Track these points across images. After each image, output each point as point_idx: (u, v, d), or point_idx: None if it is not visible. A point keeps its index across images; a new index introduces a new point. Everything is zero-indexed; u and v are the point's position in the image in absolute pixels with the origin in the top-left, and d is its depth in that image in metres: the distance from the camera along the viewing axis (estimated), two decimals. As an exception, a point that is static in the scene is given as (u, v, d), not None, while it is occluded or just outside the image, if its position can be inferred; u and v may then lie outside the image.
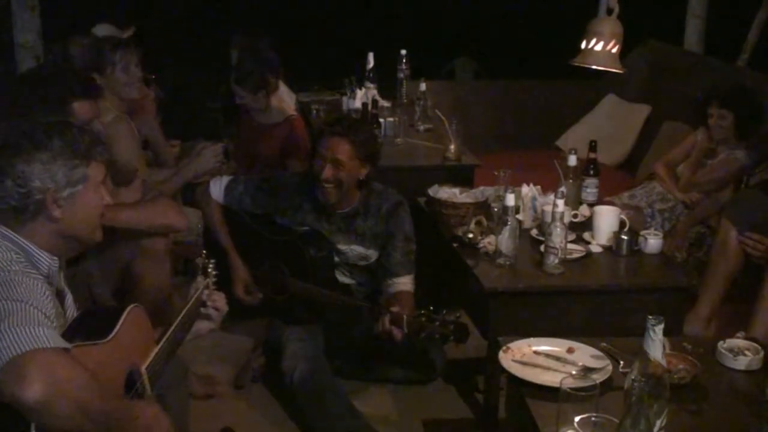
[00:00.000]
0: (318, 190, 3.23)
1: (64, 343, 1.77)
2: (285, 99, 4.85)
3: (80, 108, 3.04)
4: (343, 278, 3.42)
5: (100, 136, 2.15)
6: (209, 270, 2.55)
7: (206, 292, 2.48)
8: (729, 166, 4.15)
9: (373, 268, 3.39)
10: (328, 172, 3.17)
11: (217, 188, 3.46)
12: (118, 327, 2.00)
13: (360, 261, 3.38)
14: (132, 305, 2.12)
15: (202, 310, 2.46)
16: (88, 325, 2.00)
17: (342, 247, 3.35)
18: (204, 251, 2.65)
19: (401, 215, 3.32)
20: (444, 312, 2.88)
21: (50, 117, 2.80)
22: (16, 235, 1.95)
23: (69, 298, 2.12)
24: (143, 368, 2.09)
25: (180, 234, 3.83)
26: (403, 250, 3.30)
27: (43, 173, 1.94)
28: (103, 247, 3.03)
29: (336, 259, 3.38)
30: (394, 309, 2.98)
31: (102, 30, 4.89)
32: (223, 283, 2.64)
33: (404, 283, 3.29)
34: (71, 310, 2.11)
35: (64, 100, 3.04)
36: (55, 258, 2.02)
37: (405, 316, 2.90)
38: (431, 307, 2.90)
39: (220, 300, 2.50)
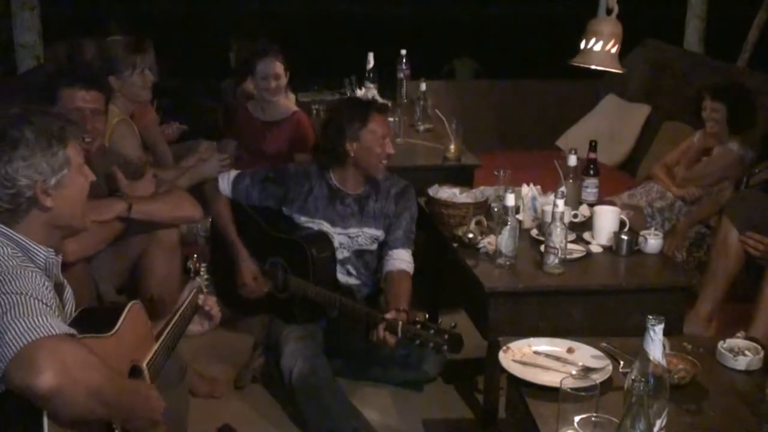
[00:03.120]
0: (376, 168, 3.34)
1: (70, 330, 1.78)
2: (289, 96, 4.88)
3: (68, 95, 3.05)
4: (347, 278, 3.44)
5: (66, 116, 2.08)
6: (201, 273, 2.55)
7: (201, 296, 2.48)
8: (724, 158, 4.19)
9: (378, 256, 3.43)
10: (392, 146, 3.35)
11: (224, 183, 3.49)
12: (119, 323, 2.00)
13: (371, 244, 3.42)
14: (132, 302, 2.12)
15: (197, 316, 2.47)
16: (90, 322, 2.01)
17: (353, 230, 3.38)
18: (195, 255, 2.63)
19: (410, 197, 3.45)
20: (440, 321, 2.88)
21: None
22: (10, 231, 1.95)
23: (68, 292, 2.12)
24: (144, 364, 2.09)
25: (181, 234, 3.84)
26: (406, 228, 3.39)
27: (27, 169, 1.92)
28: (114, 241, 3.04)
29: (345, 254, 3.40)
30: (389, 315, 2.99)
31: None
32: (223, 283, 2.63)
33: (402, 259, 3.34)
34: (70, 304, 2.11)
35: (50, 89, 3.06)
36: (51, 250, 2.02)
37: (400, 323, 2.91)
38: (427, 315, 2.91)
39: (213, 305, 2.50)
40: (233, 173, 3.51)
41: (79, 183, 2.04)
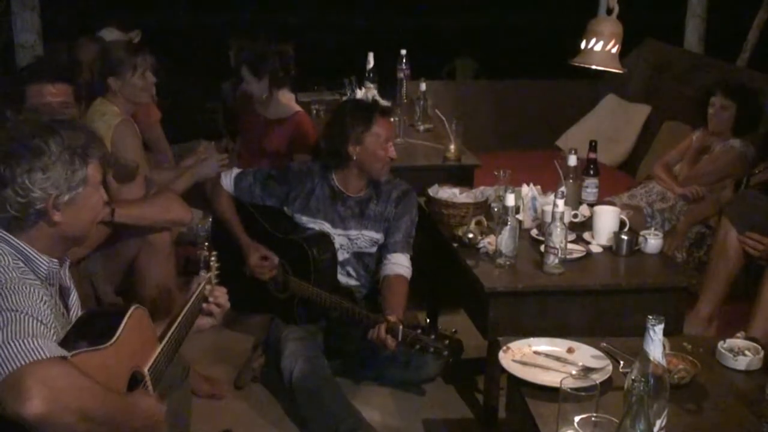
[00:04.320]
0: (379, 171, 3.33)
1: (61, 352, 1.75)
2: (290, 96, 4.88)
3: (35, 91, 3.07)
4: (347, 279, 3.44)
5: (92, 132, 2.08)
6: (211, 263, 2.54)
7: (208, 287, 2.47)
8: (726, 155, 4.20)
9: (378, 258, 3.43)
10: (394, 150, 3.34)
11: (227, 180, 3.49)
12: (120, 329, 1.98)
13: (371, 247, 3.42)
14: (134, 306, 2.11)
15: (204, 306, 2.45)
16: (91, 329, 1.98)
17: (353, 232, 3.39)
18: (206, 244, 2.62)
19: (411, 201, 3.44)
20: (440, 327, 2.88)
21: (4, 108, 2.81)
22: (14, 239, 1.93)
23: (74, 296, 2.11)
24: (146, 369, 2.08)
25: (181, 233, 3.85)
26: (405, 232, 3.38)
27: (44, 182, 1.90)
28: (107, 244, 3.05)
29: (345, 255, 3.41)
30: (392, 318, 2.99)
31: (108, 34, 4.91)
32: (226, 278, 2.62)
33: (401, 264, 3.34)
34: (75, 309, 2.10)
35: (16, 89, 3.08)
36: (54, 260, 2.00)
37: (401, 327, 2.90)
38: (428, 320, 2.91)
39: (221, 295, 2.48)
40: (235, 171, 3.52)
41: (92, 201, 2.02)
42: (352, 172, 3.36)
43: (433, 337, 2.83)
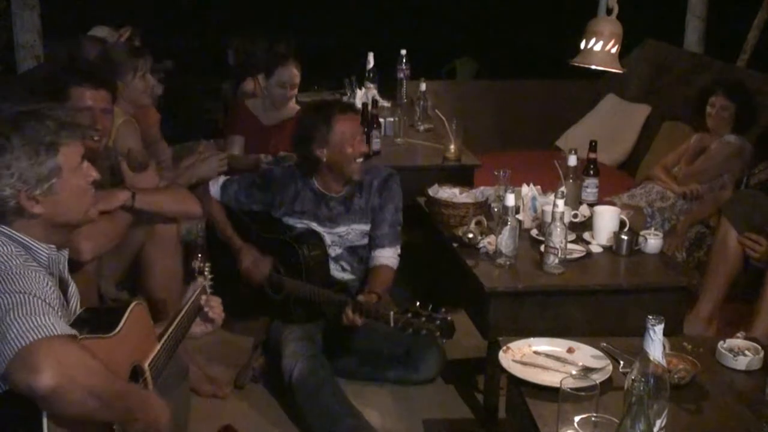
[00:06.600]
0: (352, 169, 3.31)
1: (71, 331, 1.78)
2: None
3: (78, 94, 3.06)
4: (342, 273, 3.45)
5: (64, 116, 2.01)
6: (205, 273, 2.54)
7: (204, 297, 2.48)
8: (722, 151, 4.23)
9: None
10: (364, 144, 3.37)
11: (214, 188, 3.52)
12: (122, 323, 2.00)
13: (362, 239, 3.43)
14: (135, 302, 2.12)
15: (199, 317, 2.47)
16: (93, 321, 2.01)
17: (343, 229, 3.39)
18: (199, 254, 2.63)
19: (393, 187, 3.43)
20: (431, 308, 2.88)
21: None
22: (10, 230, 1.94)
23: (72, 287, 2.12)
24: (146, 364, 2.09)
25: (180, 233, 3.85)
26: (391, 222, 3.40)
27: (9, 178, 1.89)
28: None
29: (338, 251, 3.41)
30: (361, 298, 3.05)
31: (100, 32, 4.91)
32: (223, 284, 2.63)
33: (387, 257, 3.38)
34: (75, 300, 2.11)
35: (59, 87, 3.06)
36: (53, 246, 2.01)
37: (392, 313, 2.91)
38: (418, 303, 2.91)
39: (217, 306, 2.50)
40: (222, 179, 3.55)
41: (72, 186, 1.99)
42: (328, 174, 3.35)
43: (423, 319, 2.84)
